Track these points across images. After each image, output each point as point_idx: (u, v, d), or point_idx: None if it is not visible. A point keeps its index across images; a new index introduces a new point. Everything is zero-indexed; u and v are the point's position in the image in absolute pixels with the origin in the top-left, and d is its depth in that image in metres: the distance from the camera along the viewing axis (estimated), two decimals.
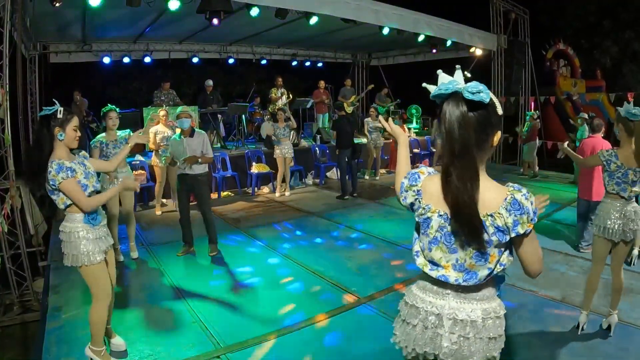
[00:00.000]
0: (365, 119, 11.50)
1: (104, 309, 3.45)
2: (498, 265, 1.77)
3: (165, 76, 14.23)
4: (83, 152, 3.53)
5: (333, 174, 11.84)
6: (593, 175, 5.84)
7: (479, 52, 13.99)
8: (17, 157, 6.07)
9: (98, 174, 3.61)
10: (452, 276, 1.81)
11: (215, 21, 8.28)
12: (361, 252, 6.29)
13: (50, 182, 3.13)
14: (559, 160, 12.60)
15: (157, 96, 11.38)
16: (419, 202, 1.87)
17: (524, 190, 1.68)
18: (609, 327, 4.00)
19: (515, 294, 4.73)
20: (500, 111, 1.71)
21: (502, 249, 1.76)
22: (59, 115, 3.22)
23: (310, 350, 3.84)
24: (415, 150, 13.84)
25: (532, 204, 1.67)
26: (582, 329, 4.02)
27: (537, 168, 12.19)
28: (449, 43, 12.85)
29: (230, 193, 10.03)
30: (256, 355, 3.79)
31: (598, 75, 18.98)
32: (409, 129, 15.02)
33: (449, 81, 1.69)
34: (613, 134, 4.14)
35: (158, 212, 8.41)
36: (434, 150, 13.34)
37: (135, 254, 6.02)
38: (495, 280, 1.87)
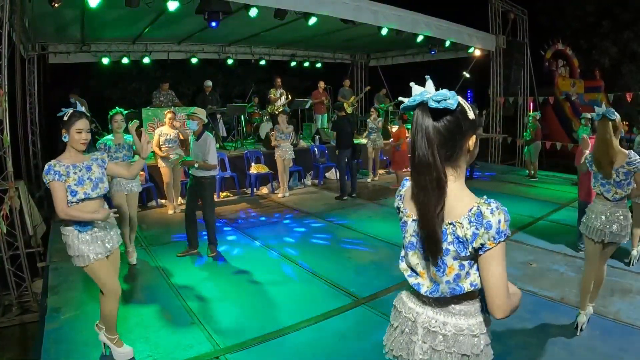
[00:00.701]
0: (368, 120, 11.51)
1: (112, 303, 3.54)
2: (468, 285, 1.69)
3: (164, 77, 14.24)
4: (102, 155, 3.55)
5: (332, 174, 11.84)
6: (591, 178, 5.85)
7: (477, 52, 14.01)
8: (16, 158, 6.08)
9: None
10: (425, 286, 1.79)
11: (213, 24, 8.28)
12: (360, 253, 6.29)
13: (44, 181, 3.25)
14: (559, 160, 12.61)
15: (155, 97, 11.38)
16: (400, 205, 1.88)
17: (494, 205, 1.58)
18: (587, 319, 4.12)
19: None
20: (471, 115, 1.66)
21: (465, 264, 1.67)
22: (65, 118, 3.26)
23: (309, 351, 3.84)
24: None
25: (499, 222, 1.56)
26: (582, 329, 4.03)
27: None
28: (447, 43, 12.86)
29: (229, 194, 10.03)
30: (255, 355, 3.79)
31: (597, 75, 19.03)
32: (408, 129, 15.01)
33: (420, 92, 1.66)
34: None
35: (170, 212, 8.42)
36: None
37: (133, 260, 5.91)
38: (481, 298, 1.77)
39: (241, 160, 10.48)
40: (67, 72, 13.98)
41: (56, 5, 7.04)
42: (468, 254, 1.63)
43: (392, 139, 10.86)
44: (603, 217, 3.86)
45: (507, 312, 1.61)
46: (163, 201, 9.00)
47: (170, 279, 5.38)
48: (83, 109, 3.39)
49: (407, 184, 1.87)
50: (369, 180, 11.54)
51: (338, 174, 10.37)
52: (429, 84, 1.66)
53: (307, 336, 4.10)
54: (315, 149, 11.79)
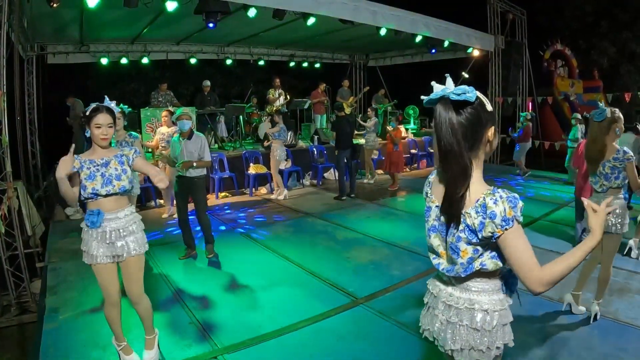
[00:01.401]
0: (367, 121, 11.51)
1: (109, 310, 3.44)
2: (478, 264, 1.81)
3: (163, 77, 14.25)
4: (128, 151, 3.39)
5: (331, 174, 11.84)
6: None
7: (476, 52, 14.03)
8: (14, 159, 6.07)
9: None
10: (443, 264, 1.92)
11: (210, 25, 8.28)
12: (359, 253, 6.29)
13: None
14: (558, 160, 12.61)
15: (154, 97, 11.38)
16: (428, 191, 2.01)
17: (497, 195, 1.70)
18: (594, 316, 4.19)
19: None
20: (489, 108, 1.78)
21: (479, 249, 1.79)
22: (87, 113, 3.21)
23: (307, 351, 3.84)
24: (413, 151, 13.88)
25: (504, 210, 1.67)
26: (565, 308, 4.33)
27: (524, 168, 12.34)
28: (446, 44, 12.86)
29: (227, 194, 10.02)
30: (254, 355, 3.79)
31: (595, 75, 19.06)
32: (407, 129, 15.03)
33: (441, 89, 1.76)
34: None
35: (165, 215, 8.29)
36: (432, 151, 13.35)
37: None
38: (502, 277, 1.91)
39: (240, 160, 10.48)
40: (65, 73, 13.99)
41: (55, 5, 7.04)
42: (478, 240, 1.75)
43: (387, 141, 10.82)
44: None
45: (542, 285, 1.73)
46: (161, 201, 8.99)
47: (168, 279, 5.38)
48: (112, 104, 3.34)
49: (435, 173, 2.02)
50: (365, 181, 11.54)
51: (337, 174, 10.37)
52: (449, 81, 1.77)
53: (306, 336, 4.10)
54: (314, 149, 11.79)
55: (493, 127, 1.82)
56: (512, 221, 1.67)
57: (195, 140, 5.88)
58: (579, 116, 10.96)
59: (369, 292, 4.96)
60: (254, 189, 10.26)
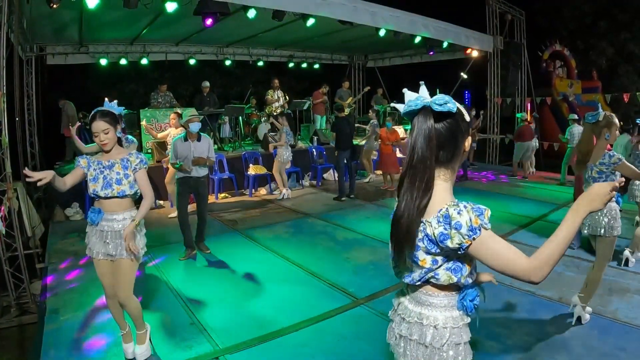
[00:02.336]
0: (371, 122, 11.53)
1: (107, 301, 3.66)
2: (433, 275, 1.74)
3: (162, 78, 14.24)
4: (134, 158, 3.41)
5: (330, 175, 11.85)
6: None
7: (475, 53, 14.04)
8: (14, 159, 6.06)
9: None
10: (402, 273, 1.88)
11: (208, 21, 8.27)
12: (358, 253, 6.30)
13: None
14: (557, 161, 12.63)
15: (154, 98, 11.39)
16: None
17: (462, 206, 1.64)
18: (578, 319, 4.20)
19: (512, 294, 4.75)
20: (467, 118, 1.76)
21: (438, 260, 1.72)
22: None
23: (308, 351, 3.85)
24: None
25: (470, 220, 1.60)
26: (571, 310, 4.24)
27: (531, 168, 12.36)
28: (445, 44, 12.88)
29: (227, 195, 10.02)
30: (255, 356, 3.80)
31: (594, 76, 19.08)
32: (406, 130, 15.03)
33: (415, 97, 1.73)
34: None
35: (172, 215, 8.11)
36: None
37: None
38: (461, 294, 1.80)
39: (239, 161, 10.49)
40: (65, 74, 13.98)
41: (54, 6, 7.04)
42: (438, 251, 1.69)
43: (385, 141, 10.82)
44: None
45: (535, 270, 1.60)
46: (161, 202, 8.99)
47: (169, 280, 5.39)
48: (113, 104, 3.41)
49: None
50: (365, 181, 11.55)
51: (336, 174, 10.37)
52: (423, 89, 1.73)
53: (306, 336, 4.11)
54: (314, 150, 11.80)
55: (468, 138, 1.79)
56: (479, 230, 1.60)
57: (204, 141, 6.15)
58: (576, 116, 11.01)
59: (369, 293, 4.97)
60: (253, 190, 10.26)
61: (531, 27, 15.82)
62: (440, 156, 1.72)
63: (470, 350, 1.84)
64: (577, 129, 10.37)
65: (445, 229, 1.63)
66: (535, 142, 12.28)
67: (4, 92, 5.93)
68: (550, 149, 13.92)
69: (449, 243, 1.62)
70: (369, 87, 15.34)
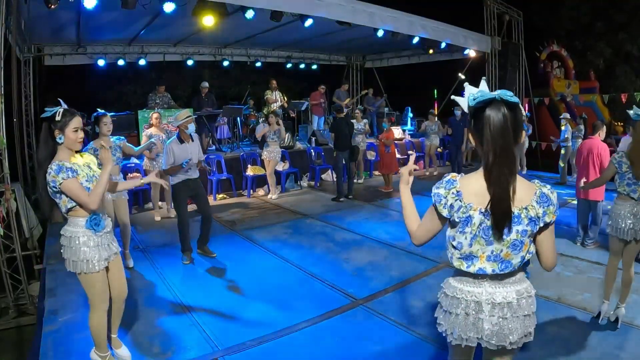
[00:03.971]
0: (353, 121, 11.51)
1: (101, 316, 3.39)
2: (527, 253, 2.04)
3: (160, 79, 14.20)
4: (92, 152, 3.47)
5: (328, 175, 11.85)
6: (589, 176, 5.96)
7: (473, 54, 14.04)
8: (12, 160, 6.05)
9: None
10: (488, 268, 2.03)
11: (209, 21, 8.27)
12: (357, 254, 6.30)
13: (51, 184, 3.05)
14: (554, 161, 12.65)
15: (151, 99, 11.37)
16: (460, 201, 2.01)
17: (549, 186, 1.99)
18: (617, 319, 4.14)
19: None
20: (523, 111, 1.92)
21: (532, 239, 2.02)
22: (57, 118, 3.09)
23: (307, 352, 3.85)
24: (410, 152, 13.82)
25: (556, 198, 1.98)
26: (602, 319, 4.16)
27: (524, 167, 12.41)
28: (443, 45, 12.88)
29: (225, 195, 10.01)
30: (254, 357, 3.80)
31: (592, 76, 19.09)
32: (404, 130, 15.04)
33: (478, 91, 1.91)
34: (611, 135, 4.28)
35: (157, 218, 8.21)
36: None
37: (130, 263, 5.82)
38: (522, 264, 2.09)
39: (237, 162, 10.48)
40: (62, 74, 13.94)
41: (52, 6, 7.02)
42: (537, 229, 1.99)
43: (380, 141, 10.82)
44: (632, 216, 3.95)
45: (555, 265, 2.14)
46: (160, 203, 8.97)
47: (168, 281, 5.38)
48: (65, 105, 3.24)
49: (461, 180, 2.04)
50: (360, 181, 11.54)
51: (334, 175, 10.37)
52: (483, 84, 1.96)
53: (306, 337, 4.11)
54: (312, 150, 11.80)
55: (524, 130, 2.00)
56: (559, 207, 1.98)
57: (196, 142, 6.07)
58: (568, 116, 11.04)
59: (368, 293, 4.98)
60: (251, 191, 10.25)
61: (529, 27, 15.84)
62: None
63: None
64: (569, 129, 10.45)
65: (544, 207, 1.96)
66: (525, 141, 12.27)
67: (2, 93, 5.92)
68: (547, 149, 13.93)
69: (547, 218, 1.97)
70: (366, 90, 15.35)
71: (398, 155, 12.85)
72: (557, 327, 4.13)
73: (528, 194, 1.95)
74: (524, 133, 2.00)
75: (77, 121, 3.16)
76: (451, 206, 2.02)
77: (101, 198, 3.17)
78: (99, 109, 5.46)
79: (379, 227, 7.58)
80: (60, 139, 3.12)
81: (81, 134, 3.19)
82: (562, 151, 10.93)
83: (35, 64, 11.08)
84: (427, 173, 12.43)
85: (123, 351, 3.70)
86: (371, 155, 12.21)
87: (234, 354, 3.81)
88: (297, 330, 4.22)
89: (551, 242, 2.06)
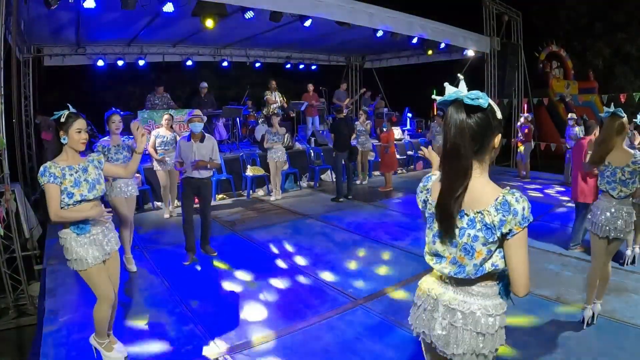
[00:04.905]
0: (355, 123, 11.52)
1: (105, 309, 3.51)
2: (489, 265, 1.88)
3: (159, 79, 14.18)
4: (98, 156, 3.52)
5: (327, 176, 11.86)
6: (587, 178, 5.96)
7: (472, 54, 14.06)
8: (12, 161, 6.05)
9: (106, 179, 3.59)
10: (448, 269, 1.96)
11: (209, 25, 8.28)
12: (357, 254, 6.31)
13: (39, 183, 3.25)
14: (554, 162, 12.68)
15: (149, 100, 11.39)
16: (428, 198, 2.05)
17: (518, 194, 1.79)
18: (593, 315, 4.16)
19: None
20: (499, 116, 1.86)
21: (493, 249, 1.85)
22: (62, 119, 3.28)
23: (307, 352, 3.86)
24: (410, 153, 13.89)
25: (524, 209, 1.76)
26: (588, 324, 4.12)
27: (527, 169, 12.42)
28: (442, 45, 12.89)
29: (224, 196, 10.01)
30: (254, 356, 3.80)
31: (591, 76, 19.13)
32: (404, 131, 15.06)
33: (453, 91, 1.86)
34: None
35: (166, 215, 8.31)
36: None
37: (133, 267, 5.75)
38: (500, 282, 1.96)
39: (237, 162, 10.48)
40: (62, 75, 13.94)
41: (52, 7, 7.02)
42: (495, 239, 1.82)
43: (381, 142, 10.86)
44: (608, 214, 4.00)
45: (527, 290, 1.83)
46: (159, 204, 8.99)
47: (168, 281, 5.39)
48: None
49: (434, 177, 2.07)
50: (358, 182, 11.55)
51: (333, 175, 10.38)
52: (462, 84, 1.88)
53: (305, 337, 4.11)
54: (311, 151, 11.81)
55: (499, 135, 1.89)
56: (528, 221, 1.77)
57: (207, 142, 6.00)
58: (575, 116, 11.04)
59: (368, 293, 4.99)
60: (251, 191, 10.26)
61: (528, 28, 15.85)
62: (471, 148, 1.83)
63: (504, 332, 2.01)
64: (579, 129, 10.43)
65: (504, 215, 1.78)
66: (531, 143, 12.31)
67: (2, 93, 5.92)
68: (547, 149, 13.94)
69: (503, 229, 1.78)
70: (364, 89, 15.35)
71: (397, 156, 12.90)
72: (555, 327, 4.14)
73: (488, 199, 1.82)
74: (498, 138, 1.89)
75: (80, 123, 3.32)
76: (423, 201, 2.08)
77: (65, 220, 3.29)
78: (113, 108, 5.75)
79: (378, 227, 7.59)
80: (64, 139, 3.30)
81: (84, 135, 3.34)
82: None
83: (35, 64, 11.09)
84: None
85: (119, 347, 3.77)
86: (371, 155, 12.22)
87: (233, 354, 3.82)
88: (296, 330, 4.23)
89: (519, 261, 1.81)
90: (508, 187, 1.86)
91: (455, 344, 1.94)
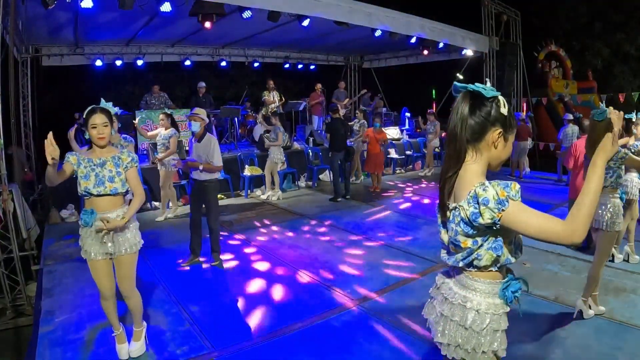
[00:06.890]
0: (354, 120, 11.52)
1: (103, 302, 3.61)
2: (475, 256, 1.82)
3: (158, 79, 14.18)
4: (125, 156, 3.43)
5: (326, 176, 11.85)
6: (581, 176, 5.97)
7: (470, 54, 14.05)
8: (9, 161, 6.03)
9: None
10: (446, 257, 1.99)
11: (207, 24, 8.28)
12: (355, 254, 6.30)
13: None
14: (552, 161, 12.68)
15: (145, 99, 11.38)
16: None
17: (487, 184, 1.71)
18: (581, 311, 4.24)
19: None
20: (503, 110, 1.82)
21: (478, 241, 1.80)
22: (84, 116, 3.34)
23: (304, 352, 3.85)
24: (408, 152, 13.88)
25: (496, 194, 1.67)
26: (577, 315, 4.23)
27: (526, 168, 12.44)
28: (441, 45, 12.88)
29: (223, 196, 9.98)
30: (251, 357, 3.79)
31: (589, 76, 19.13)
32: (402, 130, 15.04)
33: (474, 84, 1.88)
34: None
35: (159, 219, 8.13)
36: (425, 151, 13.38)
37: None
38: (501, 283, 1.89)
39: (235, 162, 10.47)
40: (60, 75, 13.93)
41: (50, 7, 7.00)
42: (476, 232, 1.78)
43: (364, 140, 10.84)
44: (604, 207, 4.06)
45: (575, 233, 1.63)
46: (157, 204, 8.96)
47: (165, 282, 5.37)
48: (109, 104, 3.45)
49: None
50: (358, 181, 11.54)
51: (331, 175, 10.38)
52: (488, 83, 1.91)
53: (302, 337, 4.10)
54: (309, 150, 11.81)
55: (499, 131, 1.83)
56: (507, 201, 1.67)
57: (205, 143, 5.67)
58: (571, 117, 11.05)
59: (365, 293, 4.97)
60: (249, 191, 10.24)
61: (527, 27, 15.87)
62: (469, 134, 1.84)
63: (505, 338, 1.92)
64: (571, 129, 10.44)
65: (475, 207, 1.72)
66: (529, 142, 12.35)
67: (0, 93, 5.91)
68: (545, 149, 13.95)
69: (480, 220, 1.71)
70: (365, 90, 15.35)
71: (395, 156, 12.92)
72: (554, 327, 4.13)
73: (464, 193, 1.78)
74: (497, 132, 1.83)
75: (96, 117, 3.29)
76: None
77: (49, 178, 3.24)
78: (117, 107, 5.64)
79: (376, 227, 7.58)
80: (85, 135, 3.36)
81: (100, 130, 3.30)
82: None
83: (33, 64, 11.07)
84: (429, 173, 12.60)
85: (123, 348, 3.75)
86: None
87: (229, 354, 3.80)
88: (293, 330, 4.22)
89: (531, 230, 1.67)
90: (485, 181, 1.76)
91: (441, 333, 1.95)
